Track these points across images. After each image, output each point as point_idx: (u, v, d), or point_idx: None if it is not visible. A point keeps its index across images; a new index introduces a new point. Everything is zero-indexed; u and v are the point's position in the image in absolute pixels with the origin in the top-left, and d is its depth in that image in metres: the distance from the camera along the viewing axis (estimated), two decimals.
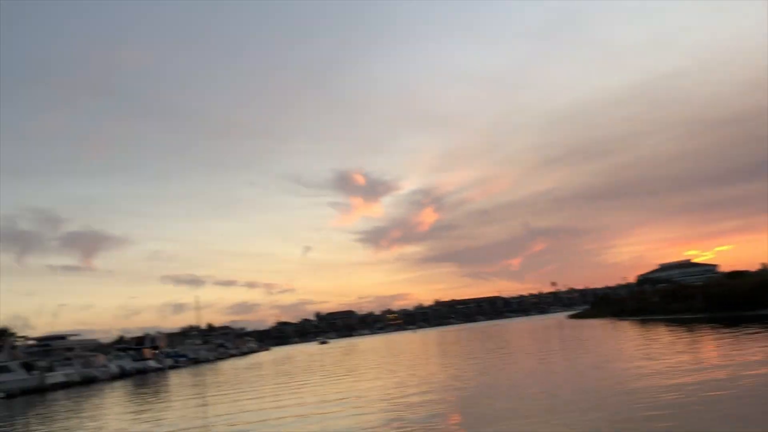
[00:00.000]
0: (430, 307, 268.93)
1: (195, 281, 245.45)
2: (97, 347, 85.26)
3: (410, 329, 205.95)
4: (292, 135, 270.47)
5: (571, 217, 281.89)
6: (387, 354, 50.91)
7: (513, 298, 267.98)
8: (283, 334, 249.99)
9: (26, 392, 49.49)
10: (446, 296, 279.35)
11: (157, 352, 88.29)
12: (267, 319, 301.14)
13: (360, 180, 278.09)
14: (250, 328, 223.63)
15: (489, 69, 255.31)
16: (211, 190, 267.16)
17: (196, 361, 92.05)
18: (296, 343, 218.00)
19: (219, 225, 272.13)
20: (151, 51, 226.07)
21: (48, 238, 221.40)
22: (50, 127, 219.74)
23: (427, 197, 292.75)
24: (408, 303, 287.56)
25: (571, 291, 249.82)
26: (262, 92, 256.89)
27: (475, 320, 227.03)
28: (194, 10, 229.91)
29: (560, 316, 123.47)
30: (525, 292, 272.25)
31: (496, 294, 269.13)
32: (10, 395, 47.05)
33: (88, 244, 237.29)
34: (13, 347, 59.94)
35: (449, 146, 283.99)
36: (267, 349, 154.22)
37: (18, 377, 51.34)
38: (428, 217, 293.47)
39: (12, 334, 74.33)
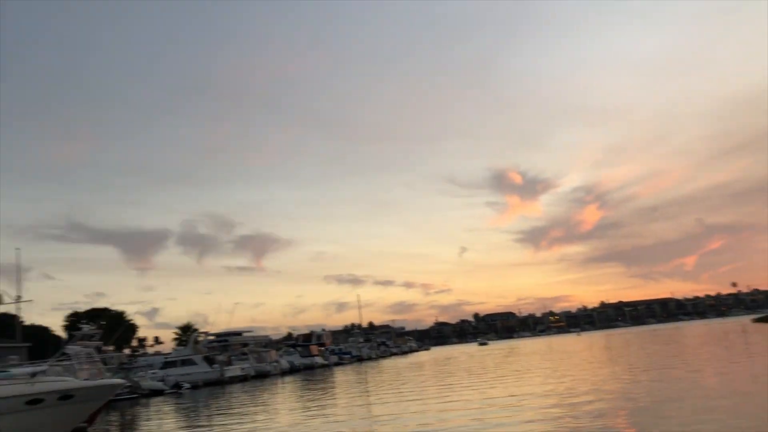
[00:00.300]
0: (594, 309, 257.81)
1: (355, 281, 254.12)
2: (268, 343, 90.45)
3: (574, 332, 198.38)
4: (446, 135, 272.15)
5: (753, 211, 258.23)
6: (551, 357, 49.04)
7: (687, 299, 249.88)
8: (441, 334, 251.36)
9: (208, 384, 53.55)
10: (612, 298, 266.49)
11: (323, 349, 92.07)
12: (425, 319, 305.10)
13: (516, 178, 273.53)
14: (408, 327, 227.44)
15: (655, 54, 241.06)
16: (368, 193, 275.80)
17: (359, 359, 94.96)
18: (455, 343, 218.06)
19: (377, 226, 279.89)
20: (310, 61, 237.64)
21: (223, 241, 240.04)
22: (223, 138, 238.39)
23: (590, 194, 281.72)
24: (571, 305, 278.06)
25: (755, 292, 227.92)
26: (415, 94, 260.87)
27: (645, 323, 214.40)
28: (349, 20, 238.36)
29: (743, 320, 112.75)
30: (701, 294, 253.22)
31: (668, 295, 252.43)
32: (195, 386, 51.12)
33: (258, 246, 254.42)
34: (196, 342, 65.10)
35: (612, 139, 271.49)
36: (426, 349, 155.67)
37: (201, 370, 55.69)
38: (591, 215, 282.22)
39: (195, 330, 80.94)
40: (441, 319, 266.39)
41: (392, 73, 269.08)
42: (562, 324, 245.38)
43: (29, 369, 20.31)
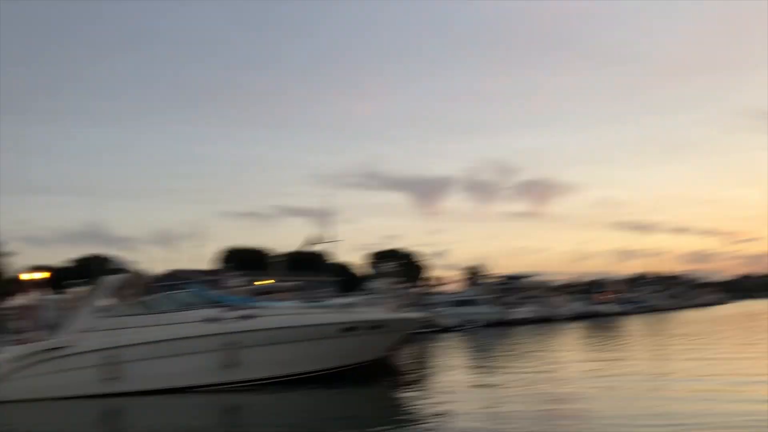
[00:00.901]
0: None
1: (644, 228, 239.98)
2: (551, 289, 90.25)
3: None
4: (752, 63, 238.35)
5: None
6: None
7: None
8: (746, 287, 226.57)
9: (494, 324, 55.75)
10: None
11: (610, 297, 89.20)
12: (726, 270, 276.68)
13: None
14: (706, 278, 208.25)
15: None
16: (660, 133, 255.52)
17: (650, 309, 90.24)
18: (764, 297, 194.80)
19: (668, 169, 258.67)
20: None
21: (503, 187, 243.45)
22: (504, 84, 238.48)
23: None
24: None
25: None
26: (715, 19, 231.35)
27: None
28: None
29: None
30: None
31: None
32: (482, 325, 53.67)
33: (538, 191, 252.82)
34: (483, 284, 67.88)
35: None
36: (728, 303, 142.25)
37: (489, 310, 58.14)
38: None
39: (482, 272, 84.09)
40: (747, 271, 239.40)
41: None
42: None
43: (344, 300, 23.37)
